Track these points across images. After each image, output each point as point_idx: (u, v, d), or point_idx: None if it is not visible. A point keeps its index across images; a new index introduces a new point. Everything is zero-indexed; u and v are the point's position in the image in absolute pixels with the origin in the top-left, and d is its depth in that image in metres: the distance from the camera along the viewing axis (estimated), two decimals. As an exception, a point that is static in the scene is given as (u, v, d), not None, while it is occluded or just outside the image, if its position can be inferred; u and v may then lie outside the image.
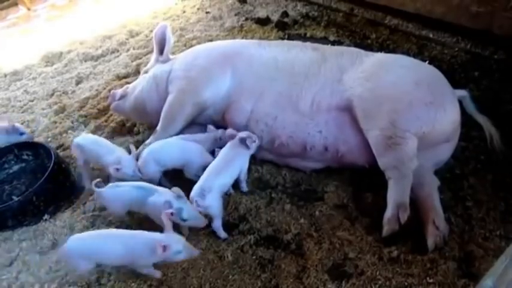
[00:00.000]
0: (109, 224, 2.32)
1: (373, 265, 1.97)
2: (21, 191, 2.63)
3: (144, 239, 1.89)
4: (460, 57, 3.38)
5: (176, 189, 2.06)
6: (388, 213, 2.08)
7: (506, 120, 2.56)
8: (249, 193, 2.41)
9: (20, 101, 3.55)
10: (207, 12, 4.62)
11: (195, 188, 2.14)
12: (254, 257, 2.07)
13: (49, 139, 3.05)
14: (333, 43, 3.68)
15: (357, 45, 3.20)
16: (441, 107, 2.16)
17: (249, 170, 2.45)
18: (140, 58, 3.88)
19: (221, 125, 2.61)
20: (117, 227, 2.22)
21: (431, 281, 1.88)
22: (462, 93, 2.36)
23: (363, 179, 2.40)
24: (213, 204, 2.11)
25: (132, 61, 3.86)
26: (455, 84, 2.39)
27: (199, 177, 2.22)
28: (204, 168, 2.28)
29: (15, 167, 2.79)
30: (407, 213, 2.04)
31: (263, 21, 4.22)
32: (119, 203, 2.19)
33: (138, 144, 2.67)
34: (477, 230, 2.11)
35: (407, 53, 3.42)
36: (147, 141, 2.61)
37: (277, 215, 2.26)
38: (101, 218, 2.37)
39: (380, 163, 2.18)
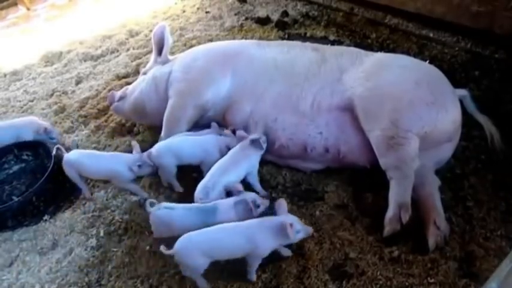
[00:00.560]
0: (109, 225, 2.32)
1: (373, 265, 1.97)
2: (21, 191, 2.62)
3: (264, 225, 1.87)
4: (461, 56, 3.37)
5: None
6: (390, 213, 2.08)
7: (507, 119, 2.56)
8: (249, 193, 2.41)
9: (20, 101, 3.53)
10: (206, 12, 4.61)
11: (200, 186, 2.15)
12: (254, 257, 2.06)
13: (49, 139, 3.03)
14: (333, 43, 3.67)
15: (357, 45, 3.20)
16: (443, 107, 2.15)
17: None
18: (140, 58, 3.87)
19: (222, 125, 2.59)
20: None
21: (432, 281, 1.88)
22: (462, 92, 2.36)
23: (363, 179, 2.40)
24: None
25: (131, 61, 3.85)
26: (455, 83, 2.38)
27: None
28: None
29: (15, 167, 2.78)
30: (409, 213, 2.04)
31: (263, 21, 4.21)
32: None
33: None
34: (478, 229, 2.10)
35: (407, 52, 3.41)
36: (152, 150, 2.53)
37: (277, 215, 2.26)
38: (101, 218, 2.37)
39: (382, 163, 2.18)
